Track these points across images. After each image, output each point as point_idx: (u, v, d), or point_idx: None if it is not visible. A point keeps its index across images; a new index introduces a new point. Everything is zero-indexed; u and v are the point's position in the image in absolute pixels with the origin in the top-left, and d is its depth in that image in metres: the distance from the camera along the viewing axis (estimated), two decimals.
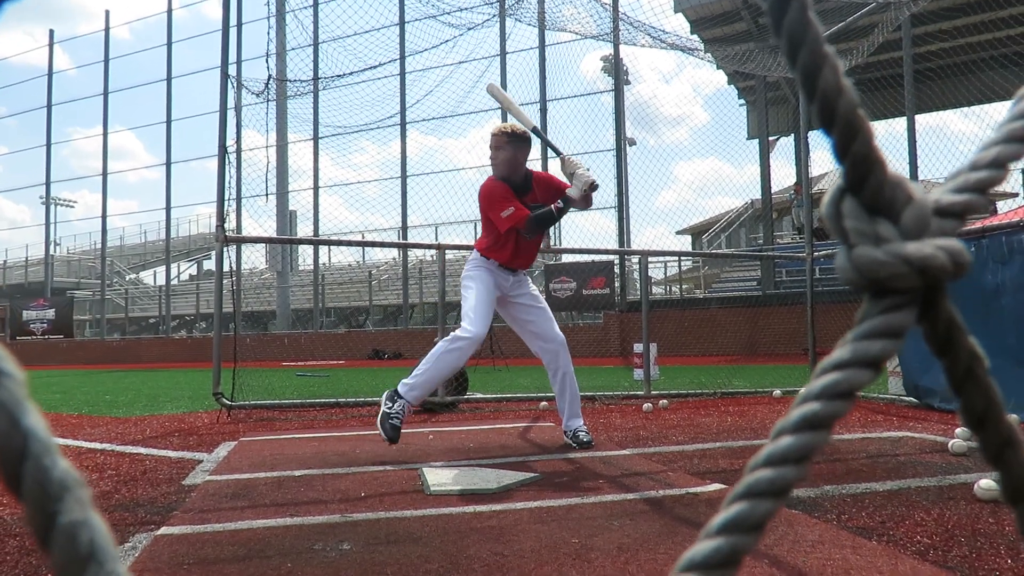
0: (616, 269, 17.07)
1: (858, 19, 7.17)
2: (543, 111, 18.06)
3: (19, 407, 0.24)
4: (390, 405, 3.44)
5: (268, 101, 7.54)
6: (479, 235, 4.01)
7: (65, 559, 0.23)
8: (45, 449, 0.24)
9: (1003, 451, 0.35)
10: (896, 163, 15.16)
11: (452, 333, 3.60)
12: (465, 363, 3.80)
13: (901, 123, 15.32)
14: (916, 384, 5.21)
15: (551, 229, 18.47)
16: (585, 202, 3.60)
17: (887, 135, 15.77)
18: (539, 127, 4.15)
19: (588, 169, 3.62)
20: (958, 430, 3.68)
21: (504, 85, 18.67)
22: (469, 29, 8.84)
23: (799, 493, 2.63)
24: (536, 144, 3.89)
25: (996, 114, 14.24)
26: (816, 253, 6.84)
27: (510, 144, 3.63)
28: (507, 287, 3.81)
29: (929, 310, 0.33)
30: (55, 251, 27.99)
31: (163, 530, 2.24)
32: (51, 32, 26.48)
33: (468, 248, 5.20)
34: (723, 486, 2.75)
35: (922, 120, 15.24)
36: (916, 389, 5.21)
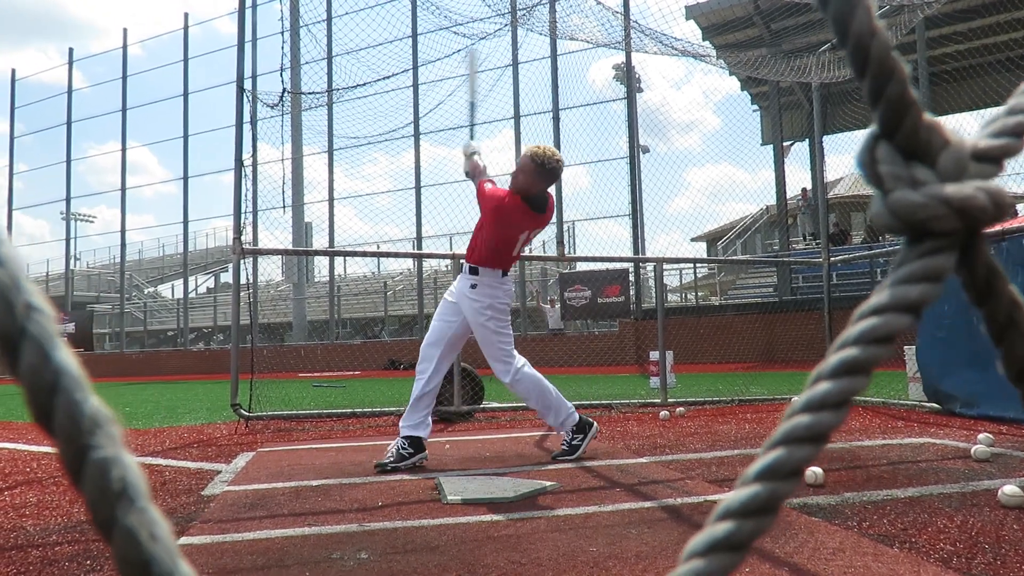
0: (631, 277, 17.02)
1: None
2: (556, 120, 18.10)
3: (50, 341, 0.24)
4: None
5: (283, 114, 7.61)
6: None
7: (97, 494, 0.23)
8: (76, 384, 0.24)
9: None
10: None
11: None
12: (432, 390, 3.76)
13: None
14: (936, 388, 5.14)
15: (565, 238, 18.52)
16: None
17: None
18: (474, 104, 4.19)
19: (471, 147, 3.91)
20: (980, 436, 3.63)
21: (516, 95, 18.75)
22: (481, 39, 8.88)
23: (819, 500, 2.60)
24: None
25: None
26: (833, 258, 6.79)
27: (535, 172, 3.59)
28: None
29: (968, 255, 0.32)
30: (75, 266, 28.35)
31: (183, 540, 2.25)
32: (70, 51, 26.92)
33: None
34: None
35: None
36: (936, 393, 5.15)
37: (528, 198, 3.61)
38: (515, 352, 3.74)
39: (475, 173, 3.82)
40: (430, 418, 3.68)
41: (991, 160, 0.32)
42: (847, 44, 0.31)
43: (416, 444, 3.55)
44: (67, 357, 0.24)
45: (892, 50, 0.31)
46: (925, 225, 0.31)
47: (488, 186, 3.68)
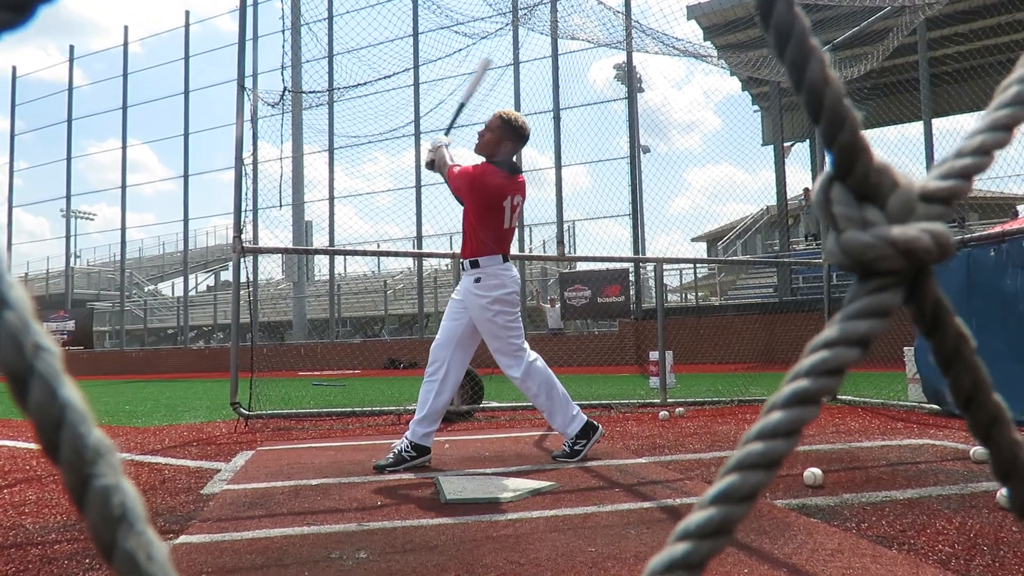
0: (631, 277, 17.02)
1: (873, 23, 7.14)
2: (556, 119, 18.09)
3: (56, 379, 0.26)
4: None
5: (284, 113, 7.61)
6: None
7: (99, 520, 0.25)
8: (81, 418, 0.26)
9: (991, 428, 0.35)
10: (913, 168, 15.04)
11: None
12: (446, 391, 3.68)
13: (918, 127, 15.23)
14: (936, 389, 5.15)
15: (565, 237, 18.50)
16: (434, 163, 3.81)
17: (903, 139, 15.66)
18: (464, 104, 4.01)
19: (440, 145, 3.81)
20: None
21: (517, 94, 18.74)
22: (482, 38, 8.88)
23: (818, 501, 2.60)
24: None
25: None
26: None
27: (502, 129, 3.61)
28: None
29: (915, 291, 0.34)
30: (75, 263, 28.34)
31: (182, 539, 2.26)
32: (71, 48, 26.89)
33: None
34: None
35: (939, 124, 15.11)
36: (936, 394, 5.15)
37: (497, 162, 3.58)
38: (526, 345, 3.65)
39: (440, 164, 3.74)
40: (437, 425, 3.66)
41: (939, 201, 0.34)
42: (802, 92, 0.32)
43: (420, 450, 3.55)
44: (72, 393, 0.26)
45: (844, 98, 0.32)
46: (873, 264, 0.33)
47: (457, 168, 3.64)
